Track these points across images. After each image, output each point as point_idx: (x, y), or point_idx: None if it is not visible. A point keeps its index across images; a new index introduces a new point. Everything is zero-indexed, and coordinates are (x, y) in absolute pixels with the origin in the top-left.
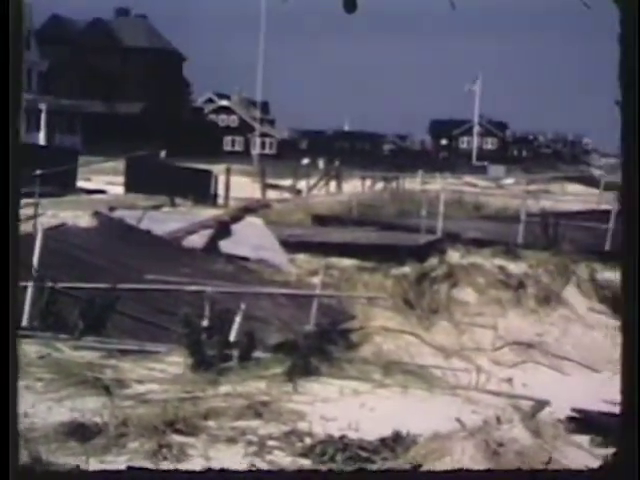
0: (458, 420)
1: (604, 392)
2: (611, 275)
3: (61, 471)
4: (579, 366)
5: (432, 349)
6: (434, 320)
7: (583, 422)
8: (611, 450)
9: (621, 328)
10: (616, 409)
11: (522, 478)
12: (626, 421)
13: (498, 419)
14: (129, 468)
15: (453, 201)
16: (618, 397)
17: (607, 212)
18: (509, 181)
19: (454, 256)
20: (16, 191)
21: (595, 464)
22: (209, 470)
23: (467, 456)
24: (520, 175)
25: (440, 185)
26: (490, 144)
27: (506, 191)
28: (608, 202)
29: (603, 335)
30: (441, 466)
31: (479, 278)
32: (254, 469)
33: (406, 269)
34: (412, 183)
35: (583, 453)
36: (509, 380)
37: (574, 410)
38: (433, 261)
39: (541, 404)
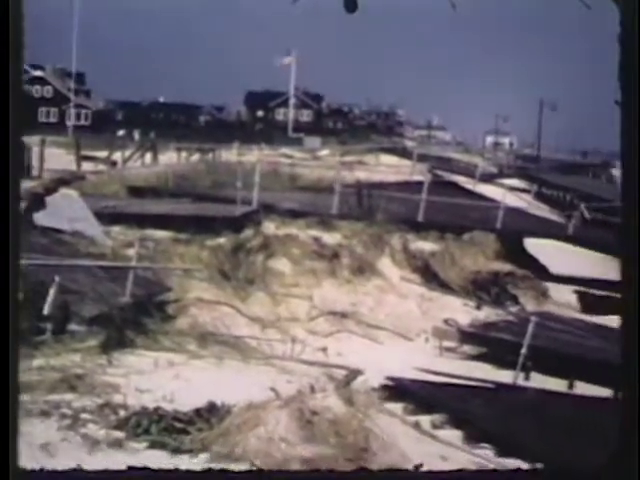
0: (272, 390)
1: (417, 360)
2: (423, 245)
3: (61, 471)
4: (393, 335)
5: (248, 320)
6: (250, 291)
7: (396, 390)
8: (424, 416)
9: (621, 328)
10: (428, 376)
11: (522, 478)
12: (626, 421)
13: (312, 388)
14: (129, 468)
15: (269, 172)
16: (430, 364)
17: (420, 183)
18: (324, 152)
19: (269, 227)
20: (16, 190)
21: (407, 430)
22: (209, 470)
23: (281, 425)
24: (335, 146)
25: (256, 157)
26: (306, 116)
27: (321, 162)
28: (421, 173)
29: (416, 304)
30: (255, 435)
31: (294, 249)
32: (254, 469)
33: (222, 240)
34: (228, 154)
35: (396, 420)
36: (324, 350)
37: (388, 378)
38: (249, 232)
39: (354, 373)
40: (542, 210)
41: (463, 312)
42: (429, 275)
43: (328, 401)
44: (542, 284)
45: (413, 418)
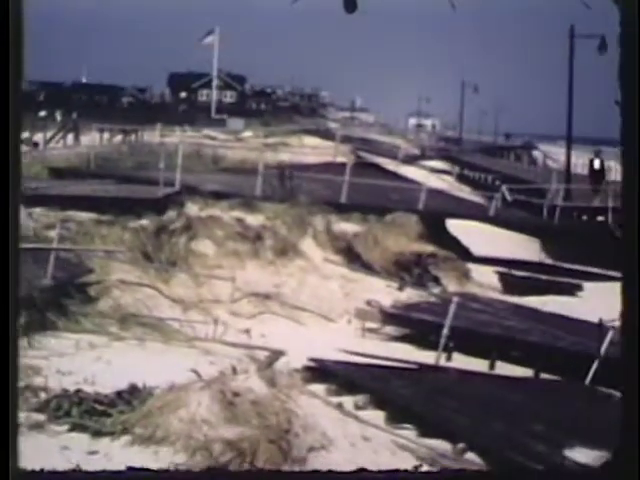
0: (194, 371)
1: (339, 341)
2: (346, 226)
3: (61, 471)
4: (315, 316)
5: (170, 302)
6: (172, 273)
7: (319, 371)
8: (347, 397)
9: (621, 329)
10: (351, 357)
11: (522, 478)
12: (626, 421)
13: (234, 369)
14: (129, 468)
15: (192, 154)
16: (353, 346)
17: (343, 165)
18: (247, 134)
19: (192, 209)
20: (16, 188)
21: (330, 411)
22: (209, 469)
23: (203, 407)
24: (258, 128)
25: (179, 138)
26: (229, 97)
27: (244, 144)
28: (344, 155)
29: (338, 285)
30: (176, 417)
31: (217, 230)
32: (254, 469)
33: (144, 222)
34: (151, 136)
35: (318, 401)
36: (247, 331)
37: (310, 360)
38: (171, 214)
39: (276, 354)
40: (464, 191)
41: (386, 293)
42: (352, 256)
43: (250, 382)
44: (464, 265)
45: (336, 399)
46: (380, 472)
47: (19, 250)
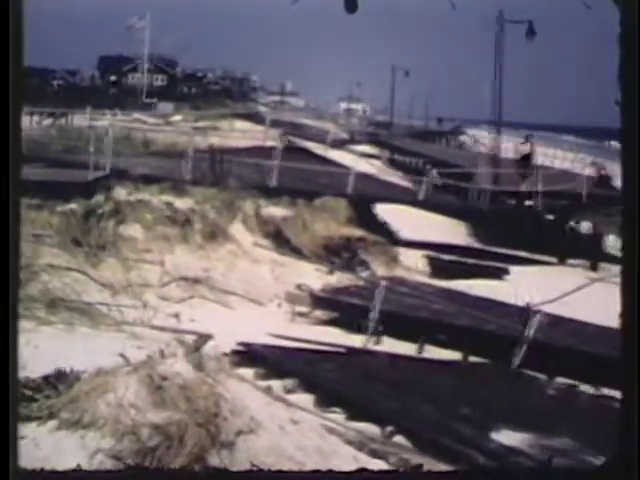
0: (122, 355)
1: (269, 325)
2: (276, 211)
3: (61, 471)
4: (245, 300)
5: (99, 286)
6: (101, 257)
7: (248, 355)
8: (276, 381)
9: (621, 330)
10: (280, 342)
11: (522, 478)
12: (626, 421)
13: (162, 353)
14: (129, 468)
15: (122, 137)
16: (282, 330)
17: (272, 149)
18: (177, 118)
19: (122, 193)
20: (16, 188)
21: (258, 395)
22: (209, 469)
23: (131, 391)
24: (188, 112)
25: (109, 121)
26: (160, 81)
27: (175, 128)
28: (274, 139)
29: (268, 269)
30: (104, 401)
31: (146, 214)
32: (255, 469)
33: (73, 206)
34: (81, 119)
35: (247, 385)
36: (176, 315)
37: (239, 344)
38: (100, 198)
39: (204, 338)
40: (393, 176)
41: (315, 277)
42: (281, 240)
43: (178, 366)
44: (392, 249)
45: (265, 383)
46: (380, 472)
47: (19, 249)
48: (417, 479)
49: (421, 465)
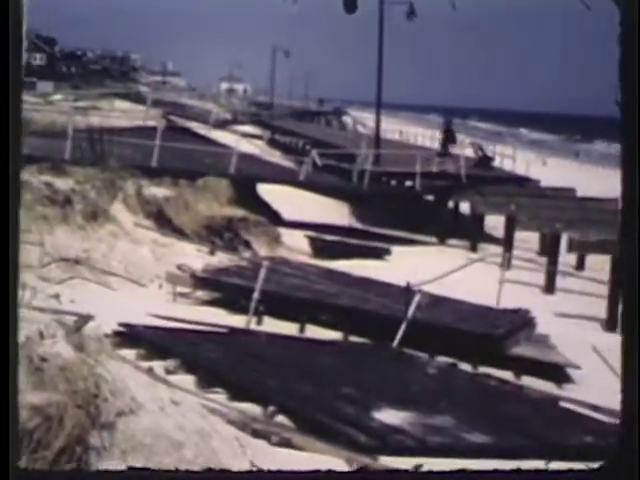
0: None
1: (150, 306)
2: (157, 191)
3: (61, 471)
4: (126, 281)
5: None
6: None
7: (129, 336)
8: (157, 362)
9: (621, 331)
10: (162, 322)
11: (522, 478)
12: (626, 421)
13: (41, 334)
14: (129, 468)
15: None
16: (164, 310)
17: (154, 129)
18: (57, 97)
19: None
20: (16, 188)
21: (139, 376)
22: (209, 470)
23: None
24: (68, 91)
25: None
26: (39, 60)
27: (54, 107)
28: (155, 119)
29: (149, 250)
30: None
31: (26, 195)
32: (255, 469)
33: None
34: None
35: (128, 366)
36: (56, 296)
37: (120, 325)
38: None
39: (85, 319)
40: (275, 156)
41: (196, 257)
42: (163, 221)
43: (57, 347)
44: (274, 229)
45: (146, 364)
46: (380, 472)
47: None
48: (417, 479)
49: (421, 465)
